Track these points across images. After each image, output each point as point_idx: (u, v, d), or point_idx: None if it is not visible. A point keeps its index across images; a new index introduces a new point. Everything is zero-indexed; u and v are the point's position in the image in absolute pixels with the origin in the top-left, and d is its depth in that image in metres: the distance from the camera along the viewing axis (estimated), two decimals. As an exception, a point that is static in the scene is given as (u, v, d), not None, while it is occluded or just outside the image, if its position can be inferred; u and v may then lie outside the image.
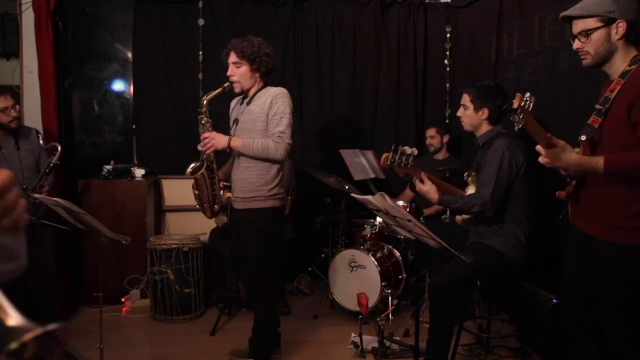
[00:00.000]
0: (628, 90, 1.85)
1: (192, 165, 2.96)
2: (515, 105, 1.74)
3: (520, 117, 1.76)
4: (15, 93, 3.39)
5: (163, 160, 4.48)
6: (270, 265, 2.96)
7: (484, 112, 2.75)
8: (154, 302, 3.81)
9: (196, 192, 2.98)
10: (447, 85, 4.87)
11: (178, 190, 4.57)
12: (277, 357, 3.14)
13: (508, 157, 2.61)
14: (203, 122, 2.89)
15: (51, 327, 0.53)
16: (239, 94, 2.98)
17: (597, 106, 1.93)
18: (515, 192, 2.69)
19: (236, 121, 2.94)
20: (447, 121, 4.75)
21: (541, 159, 1.89)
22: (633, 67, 1.88)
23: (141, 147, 4.52)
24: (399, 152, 2.46)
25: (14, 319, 0.54)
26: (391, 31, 4.75)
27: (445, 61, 4.86)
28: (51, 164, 3.26)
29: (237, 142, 2.80)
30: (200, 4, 4.49)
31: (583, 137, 1.92)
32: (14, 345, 0.51)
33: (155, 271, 3.77)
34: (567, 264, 2.20)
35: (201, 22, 4.50)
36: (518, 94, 1.77)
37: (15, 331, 0.53)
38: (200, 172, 2.90)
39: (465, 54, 4.62)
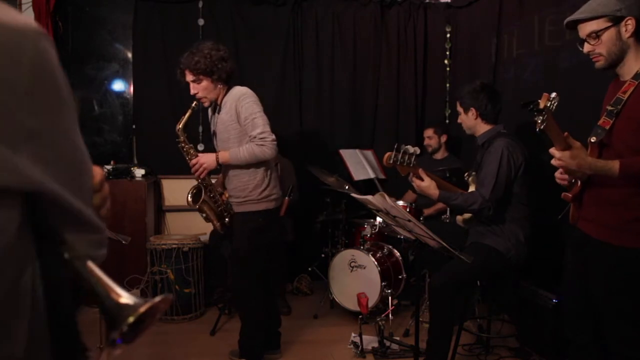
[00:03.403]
0: None
1: (190, 194, 2.94)
2: (542, 106, 1.67)
3: (544, 117, 1.68)
4: None
5: (163, 160, 4.47)
6: (259, 268, 2.92)
7: (473, 112, 2.81)
8: (154, 302, 3.81)
9: (203, 215, 2.95)
10: (447, 85, 4.87)
11: (178, 190, 4.57)
12: (277, 357, 3.14)
13: (507, 157, 2.63)
14: (185, 150, 2.87)
15: (157, 299, 0.63)
16: (210, 108, 2.96)
17: (609, 107, 1.85)
18: (515, 192, 2.69)
19: (214, 133, 2.96)
20: (446, 121, 4.76)
21: (556, 162, 1.79)
22: None
23: (141, 147, 4.52)
24: (402, 151, 2.46)
25: (125, 297, 0.63)
26: (391, 31, 4.75)
27: (445, 61, 4.86)
28: None
29: (225, 157, 2.79)
30: (200, 4, 4.49)
31: (593, 139, 1.84)
32: (131, 320, 0.59)
33: (155, 271, 3.77)
34: (568, 266, 2.17)
35: (201, 22, 4.50)
36: (545, 94, 1.68)
37: (129, 307, 0.61)
38: (202, 199, 2.88)
39: (465, 54, 4.62)
